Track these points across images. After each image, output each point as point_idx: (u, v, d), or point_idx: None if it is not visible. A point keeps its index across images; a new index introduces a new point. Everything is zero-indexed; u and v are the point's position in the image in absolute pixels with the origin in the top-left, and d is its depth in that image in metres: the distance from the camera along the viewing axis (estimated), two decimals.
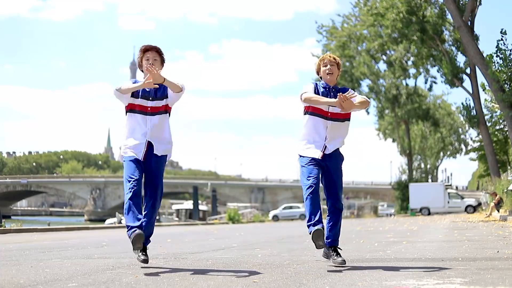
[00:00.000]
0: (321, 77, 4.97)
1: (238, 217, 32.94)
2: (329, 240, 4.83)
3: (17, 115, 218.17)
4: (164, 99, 4.73)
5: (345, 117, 4.88)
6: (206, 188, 59.22)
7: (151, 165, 4.66)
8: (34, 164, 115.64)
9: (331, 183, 4.84)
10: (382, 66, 45.76)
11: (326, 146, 4.81)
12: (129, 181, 4.51)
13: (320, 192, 4.69)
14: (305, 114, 4.90)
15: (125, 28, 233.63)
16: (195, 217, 42.12)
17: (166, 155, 4.77)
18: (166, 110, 4.77)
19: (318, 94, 4.84)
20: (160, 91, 4.74)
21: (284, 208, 47.83)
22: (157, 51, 4.77)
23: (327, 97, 4.80)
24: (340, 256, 4.74)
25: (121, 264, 4.95)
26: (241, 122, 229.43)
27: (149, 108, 4.68)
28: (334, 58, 4.93)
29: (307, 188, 4.64)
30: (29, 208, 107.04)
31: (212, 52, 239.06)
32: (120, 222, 30.83)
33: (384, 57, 44.11)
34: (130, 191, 4.45)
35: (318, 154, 4.78)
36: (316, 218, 4.53)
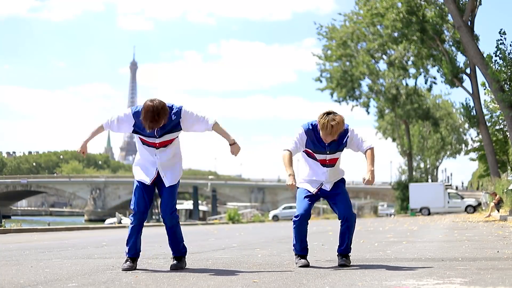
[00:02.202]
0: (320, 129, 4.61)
1: (238, 217, 32.94)
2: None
3: (16, 115, 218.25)
4: (175, 132, 4.58)
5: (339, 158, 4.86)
6: (206, 188, 59.21)
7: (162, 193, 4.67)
8: (34, 164, 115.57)
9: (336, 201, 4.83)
10: (382, 66, 45.78)
11: (323, 184, 4.79)
12: (133, 215, 4.63)
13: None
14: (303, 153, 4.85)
15: (124, 28, 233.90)
16: (195, 217, 42.09)
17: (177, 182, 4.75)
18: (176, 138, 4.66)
19: (312, 142, 4.68)
20: (168, 126, 4.51)
21: (284, 208, 47.80)
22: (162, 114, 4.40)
23: (322, 150, 4.66)
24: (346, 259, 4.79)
25: (121, 264, 4.94)
26: (240, 122, 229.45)
27: (157, 144, 4.57)
28: (336, 129, 4.51)
29: (295, 217, 4.78)
30: (29, 208, 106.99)
31: (211, 52, 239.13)
32: (120, 222, 30.81)
33: (384, 57, 44.10)
34: (132, 225, 4.64)
35: (313, 190, 4.79)
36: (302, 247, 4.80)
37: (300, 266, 4.66)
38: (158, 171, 4.60)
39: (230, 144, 4.73)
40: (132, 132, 4.58)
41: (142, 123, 4.39)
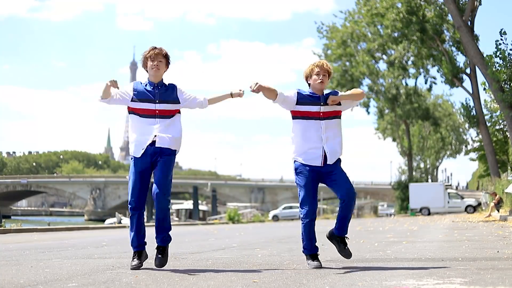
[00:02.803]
0: (309, 84, 4.77)
1: (238, 217, 32.94)
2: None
3: (16, 115, 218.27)
4: (174, 104, 4.66)
5: (337, 115, 4.79)
6: (206, 188, 59.17)
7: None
8: (34, 164, 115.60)
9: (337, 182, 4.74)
10: (382, 65, 45.80)
11: (325, 152, 4.66)
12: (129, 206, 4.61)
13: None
14: (294, 119, 4.76)
15: (123, 28, 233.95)
16: (195, 217, 42.08)
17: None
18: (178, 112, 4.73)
19: (304, 96, 4.70)
20: (168, 94, 4.66)
21: (284, 208, 47.82)
22: (164, 54, 4.68)
23: (316, 101, 4.66)
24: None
25: (121, 264, 4.95)
26: (241, 122, 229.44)
27: (157, 111, 4.59)
28: (328, 67, 4.74)
29: (303, 216, 4.69)
30: (29, 208, 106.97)
31: (210, 53, 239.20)
32: (120, 222, 30.80)
33: (384, 57, 44.12)
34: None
35: (319, 162, 4.66)
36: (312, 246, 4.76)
37: (313, 268, 4.56)
38: (155, 137, 4.54)
39: (232, 96, 4.85)
40: (131, 100, 4.61)
41: (140, 86, 4.63)
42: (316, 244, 4.79)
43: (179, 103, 4.68)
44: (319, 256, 4.77)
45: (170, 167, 4.60)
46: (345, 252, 4.83)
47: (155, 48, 4.64)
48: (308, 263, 4.71)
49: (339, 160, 4.79)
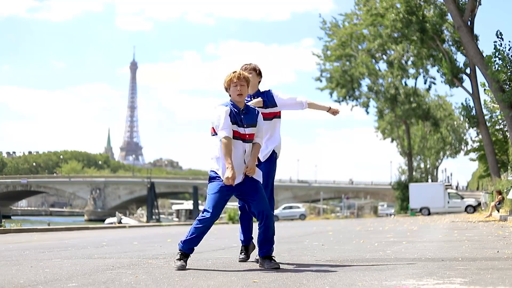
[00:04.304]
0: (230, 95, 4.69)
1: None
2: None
3: (16, 115, 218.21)
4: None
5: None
6: (206, 188, 59.19)
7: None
8: (34, 164, 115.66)
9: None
10: (382, 66, 45.83)
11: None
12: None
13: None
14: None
15: (123, 28, 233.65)
16: (195, 217, 42.11)
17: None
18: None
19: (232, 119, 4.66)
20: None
21: (284, 208, 47.83)
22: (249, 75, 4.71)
23: (239, 122, 4.57)
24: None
25: (121, 264, 4.95)
26: None
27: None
28: (244, 76, 4.59)
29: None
30: (29, 208, 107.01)
31: (210, 53, 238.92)
32: (120, 222, 30.84)
33: (384, 57, 44.14)
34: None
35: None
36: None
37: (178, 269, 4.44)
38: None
39: (328, 111, 5.09)
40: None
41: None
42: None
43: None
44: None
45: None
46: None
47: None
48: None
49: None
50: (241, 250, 5.27)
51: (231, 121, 4.49)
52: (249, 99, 4.96)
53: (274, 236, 4.67)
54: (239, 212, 5.20)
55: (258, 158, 4.84)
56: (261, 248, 4.62)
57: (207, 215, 4.49)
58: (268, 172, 4.96)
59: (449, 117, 61.09)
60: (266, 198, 4.64)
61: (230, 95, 4.63)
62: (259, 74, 5.03)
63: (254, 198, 4.55)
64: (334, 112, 5.11)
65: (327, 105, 5.11)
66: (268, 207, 4.58)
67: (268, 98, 5.00)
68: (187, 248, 4.54)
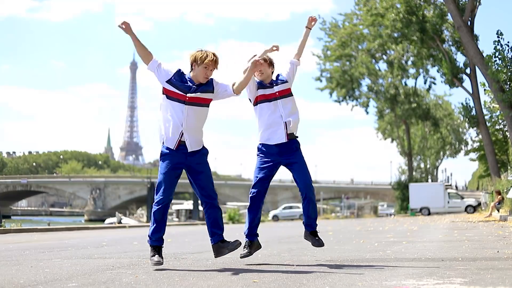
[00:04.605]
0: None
1: (238, 217, 32.93)
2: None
3: (16, 115, 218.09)
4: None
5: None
6: None
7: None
8: (34, 164, 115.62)
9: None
10: (382, 66, 45.83)
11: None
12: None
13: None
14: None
15: None
16: (195, 217, 42.11)
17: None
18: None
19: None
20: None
21: (284, 208, 47.83)
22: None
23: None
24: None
25: (121, 264, 4.95)
26: (240, 122, 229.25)
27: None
28: (217, 62, 4.74)
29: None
30: (29, 208, 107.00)
31: None
32: (120, 222, 30.81)
33: (384, 57, 44.14)
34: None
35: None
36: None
37: (155, 264, 4.54)
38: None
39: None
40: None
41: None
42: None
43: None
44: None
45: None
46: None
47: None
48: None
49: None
50: (245, 244, 5.13)
51: (172, 82, 4.63)
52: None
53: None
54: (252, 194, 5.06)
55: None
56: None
57: (161, 196, 4.59)
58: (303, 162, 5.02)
59: (449, 117, 61.10)
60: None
61: (192, 70, 4.70)
62: (270, 64, 5.06)
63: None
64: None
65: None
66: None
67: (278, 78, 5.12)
68: (155, 239, 4.64)
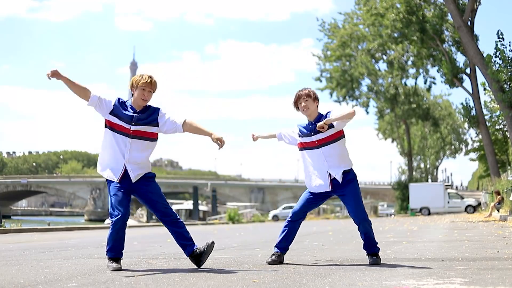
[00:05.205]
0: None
1: (238, 217, 32.92)
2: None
3: (16, 115, 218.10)
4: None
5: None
6: (206, 188, 59.18)
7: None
8: (34, 164, 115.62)
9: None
10: (382, 66, 45.82)
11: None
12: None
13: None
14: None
15: (122, 29, 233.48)
16: (195, 217, 42.08)
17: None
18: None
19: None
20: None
21: (284, 208, 47.80)
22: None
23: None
24: None
25: (121, 264, 4.94)
26: (240, 122, 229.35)
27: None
28: (154, 83, 4.64)
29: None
30: (29, 208, 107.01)
31: (209, 53, 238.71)
32: None
33: (384, 57, 44.13)
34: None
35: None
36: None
37: (112, 270, 4.40)
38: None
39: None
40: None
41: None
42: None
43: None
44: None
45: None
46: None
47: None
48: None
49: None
50: (273, 253, 5.05)
51: (115, 113, 4.58)
52: (311, 126, 4.91)
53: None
54: (289, 218, 5.09)
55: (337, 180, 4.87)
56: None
57: (117, 214, 4.46)
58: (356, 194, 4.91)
59: (449, 117, 61.12)
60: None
61: (132, 95, 4.64)
62: (315, 99, 4.92)
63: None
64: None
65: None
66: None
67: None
68: (114, 255, 4.54)
